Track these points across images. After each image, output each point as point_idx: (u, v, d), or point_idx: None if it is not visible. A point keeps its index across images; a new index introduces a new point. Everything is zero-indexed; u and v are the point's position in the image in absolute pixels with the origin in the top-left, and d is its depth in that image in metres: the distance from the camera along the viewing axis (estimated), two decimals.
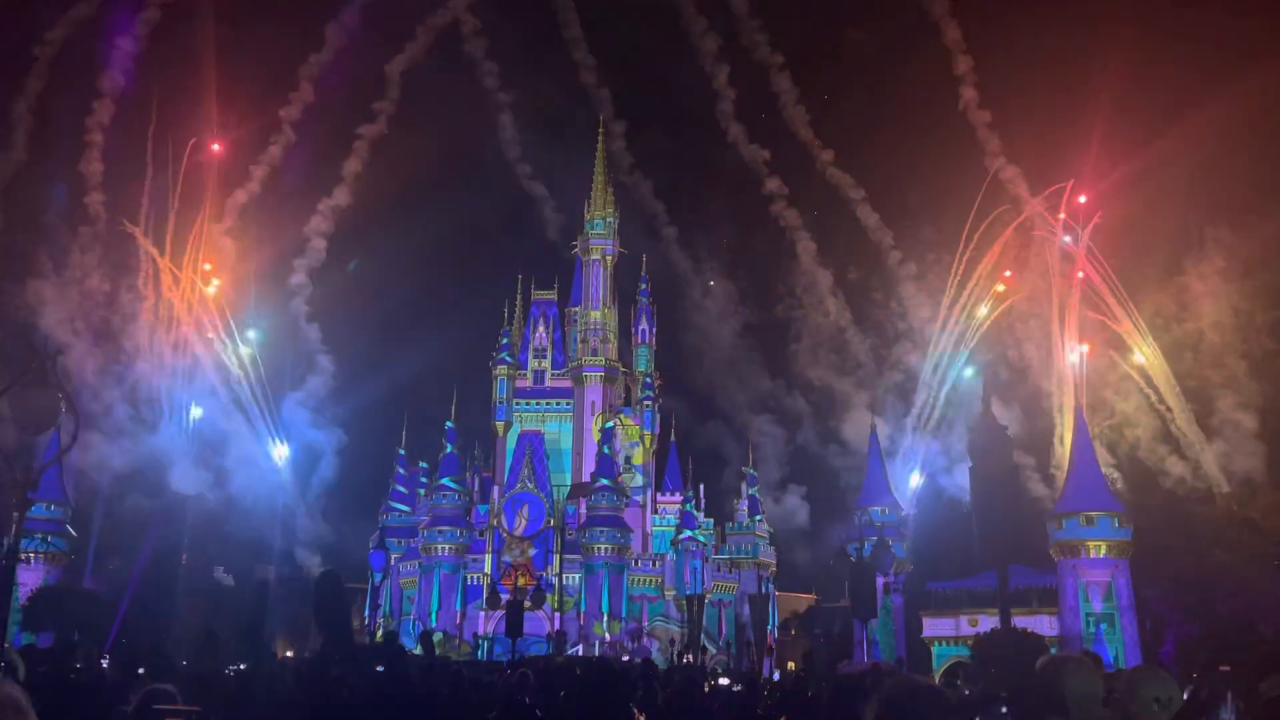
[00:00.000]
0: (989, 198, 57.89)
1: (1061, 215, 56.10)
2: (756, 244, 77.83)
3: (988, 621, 41.07)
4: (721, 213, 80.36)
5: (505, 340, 65.38)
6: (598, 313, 66.41)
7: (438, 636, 45.00)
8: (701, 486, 62.20)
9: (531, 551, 56.77)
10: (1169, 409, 52.74)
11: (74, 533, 48.18)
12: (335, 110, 63.47)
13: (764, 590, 56.29)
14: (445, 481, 57.66)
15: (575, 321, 67.36)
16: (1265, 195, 49.70)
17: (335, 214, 62.01)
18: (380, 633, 50.59)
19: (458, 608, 55.92)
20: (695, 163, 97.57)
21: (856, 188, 63.71)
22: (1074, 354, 53.90)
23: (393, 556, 60.20)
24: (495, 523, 58.02)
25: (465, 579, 56.72)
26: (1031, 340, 56.63)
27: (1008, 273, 57.65)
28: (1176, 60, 53.61)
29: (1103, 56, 55.32)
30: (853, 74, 74.77)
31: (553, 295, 67.77)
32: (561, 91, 75.64)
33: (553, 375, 65.62)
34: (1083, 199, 55.15)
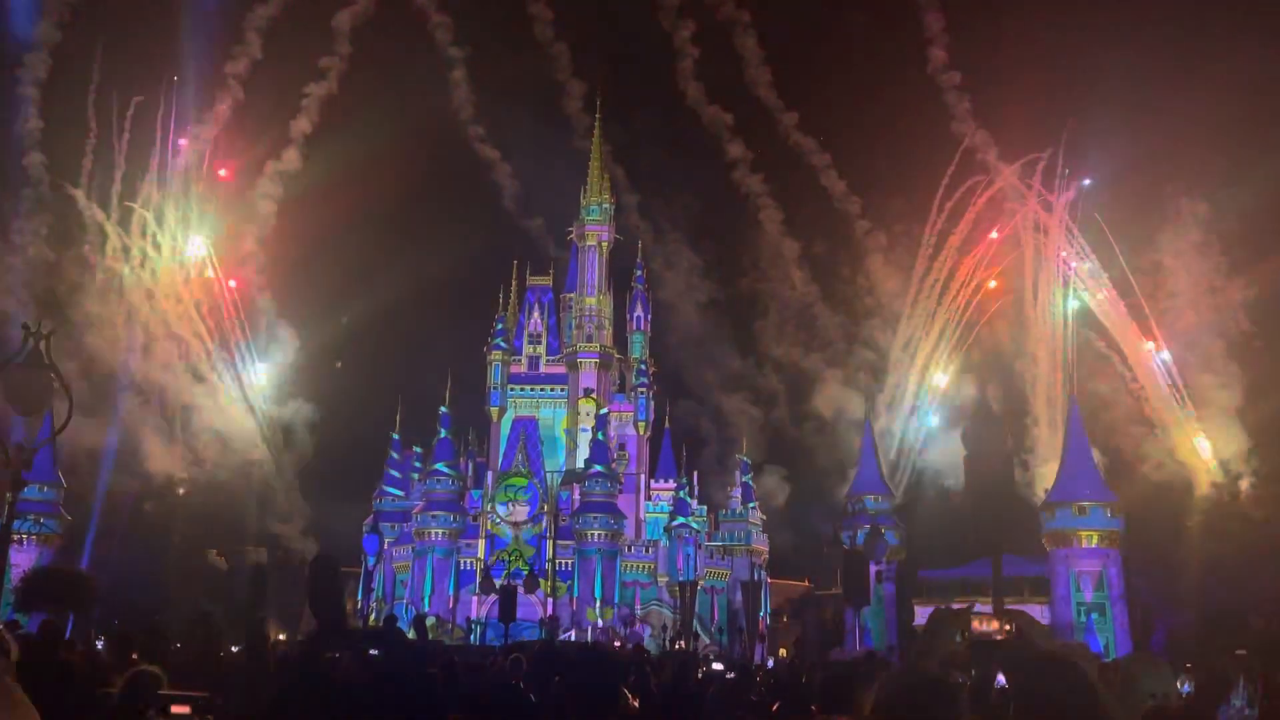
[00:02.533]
0: (961, 166, 56.38)
1: (1035, 184, 54.50)
2: (721, 214, 76.25)
3: (980, 610, 41.21)
4: (685, 180, 78.14)
5: (500, 326, 65.29)
6: (593, 299, 66.30)
7: (431, 621, 45.09)
8: (695, 473, 62.36)
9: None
10: (1145, 389, 51.74)
11: (68, 515, 48.02)
12: (285, 67, 60.74)
13: (756, 577, 56.45)
14: (439, 466, 57.64)
15: (570, 307, 67.26)
16: (1242, 168, 48.81)
17: (284, 178, 59.66)
18: (373, 616, 50.66)
19: (451, 592, 56.01)
20: (658, 126, 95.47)
21: (822, 153, 62.23)
22: (1054, 336, 52.77)
23: (386, 541, 60.30)
24: (489, 508, 58.06)
25: (459, 563, 56.78)
26: (1003, 317, 55.52)
27: (992, 283, 56.26)
28: (1154, 30, 52.89)
29: (1081, 25, 54.21)
30: (819, 34, 72.10)
31: (548, 281, 67.64)
32: (517, 48, 73.69)
33: (547, 361, 65.56)
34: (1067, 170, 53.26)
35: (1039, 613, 44.36)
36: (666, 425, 66.08)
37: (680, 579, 53.53)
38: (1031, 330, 53.62)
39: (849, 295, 61.39)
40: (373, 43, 62.90)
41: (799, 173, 63.45)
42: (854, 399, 56.55)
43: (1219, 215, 49.57)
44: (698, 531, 57.42)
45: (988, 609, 37.33)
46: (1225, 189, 49.11)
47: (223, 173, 58.84)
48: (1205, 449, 49.47)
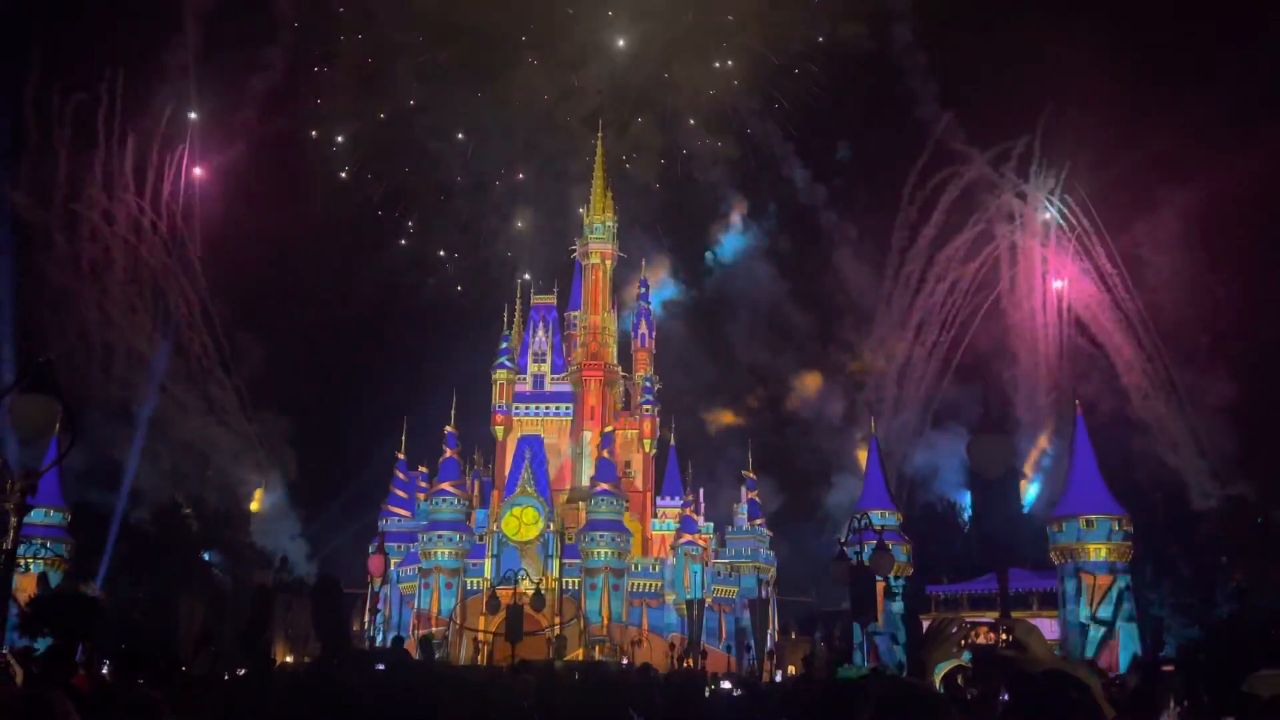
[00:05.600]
0: (932, 153, 54.54)
1: (1010, 173, 52.80)
2: (687, 208, 74.63)
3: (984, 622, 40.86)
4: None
5: (505, 344, 65.32)
6: (597, 316, 66.35)
7: (437, 641, 44.90)
8: (701, 490, 62.23)
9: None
10: (1130, 387, 50.41)
11: (72, 538, 47.92)
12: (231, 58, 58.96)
13: (764, 594, 56.23)
14: (445, 486, 57.57)
15: (575, 325, 67.30)
16: (1218, 150, 47.71)
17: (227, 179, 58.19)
18: (379, 637, 50.50)
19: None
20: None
21: (784, 140, 60.82)
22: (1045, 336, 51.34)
23: (392, 561, 60.18)
24: (495, 527, 57.93)
25: (465, 584, 56.60)
26: (980, 312, 54.21)
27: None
28: (1131, 15, 51.88)
29: (1054, 9, 52.89)
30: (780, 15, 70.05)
31: (552, 299, 67.72)
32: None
33: (552, 379, 65.54)
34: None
35: (1048, 627, 44.06)
36: (672, 442, 66.08)
37: (687, 597, 53.37)
38: (1012, 327, 52.38)
39: (819, 292, 60.25)
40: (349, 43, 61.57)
41: (762, 163, 62.14)
42: (832, 401, 55.76)
43: (1200, 204, 48.39)
44: (704, 549, 57.27)
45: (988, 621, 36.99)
46: (1207, 176, 47.90)
47: (198, 170, 56.74)
48: (1195, 446, 48.33)
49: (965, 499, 58.03)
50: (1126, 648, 42.78)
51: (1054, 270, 52.49)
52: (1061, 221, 52.47)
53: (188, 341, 56.61)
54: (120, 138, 54.81)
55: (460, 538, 56.94)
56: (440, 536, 56.62)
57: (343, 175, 69.29)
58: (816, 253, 60.31)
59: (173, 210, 56.93)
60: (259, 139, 59.54)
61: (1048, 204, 52.51)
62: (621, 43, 70.42)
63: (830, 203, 59.93)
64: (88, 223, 53.57)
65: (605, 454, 58.22)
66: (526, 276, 69.69)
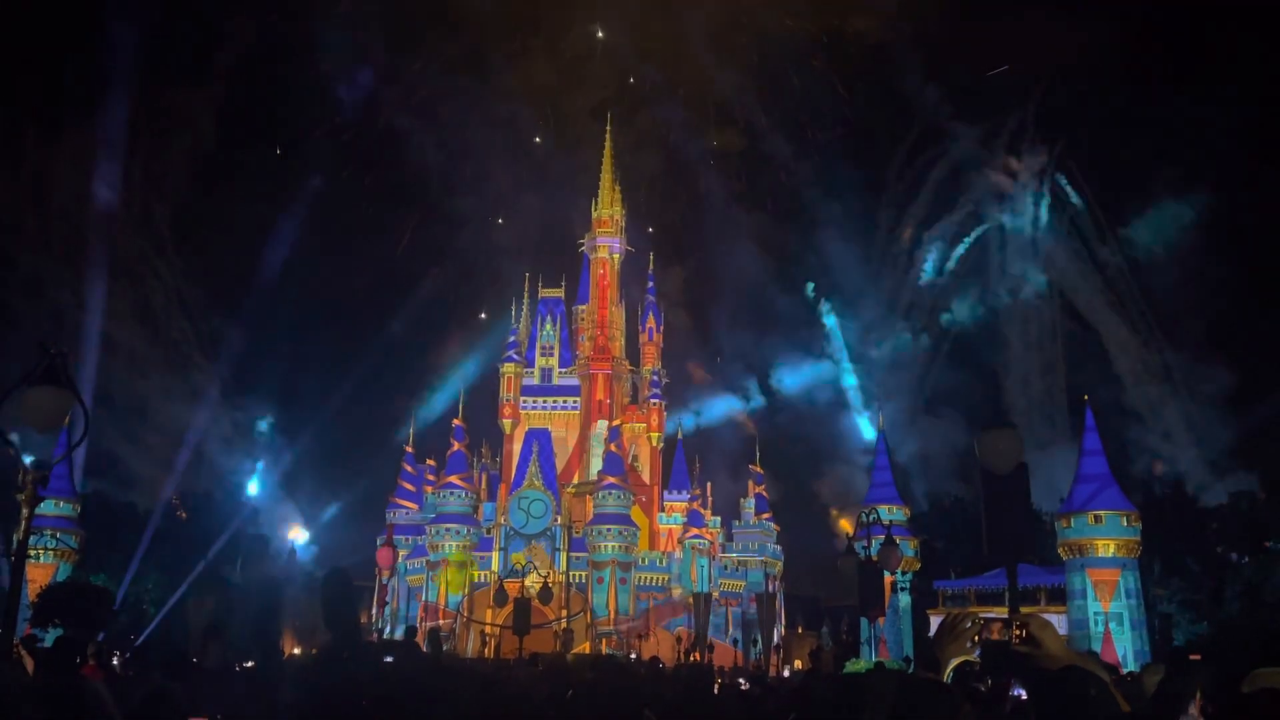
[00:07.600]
0: (918, 127, 53.57)
1: (1001, 151, 51.81)
2: (670, 192, 73.79)
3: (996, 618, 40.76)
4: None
5: (513, 338, 65.38)
6: (604, 310, 66.37)
7: (445, 634, 45.03)
8: (709, 484, 62.21)
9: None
10: (1126, 376, 49.88)
11: (82, 529, 48.16)
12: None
13: (771, 588, 56.26)
14: (452, 479, 57.70)
15: (582, 319, 67.30)
16: (1218, 133, 47.11)
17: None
18: (387, 629, 50.62)
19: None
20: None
21: (779, 124, 59.89)
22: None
23: (400, 554, 60.34)
24: (503, 520, 58.05)
25: (472, 577, 56.76)
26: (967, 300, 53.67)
27: None
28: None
29: None
30: None
31: (560, 293, 67.76)
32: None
33: (560, 373, 65.59)
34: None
35: (1056, 622, 43.97)
36: (679, 435, 66.09)
37: (695, 591, 53.41)
38: (1003, 311, 51.97)
39: (804, 273, 59.65)
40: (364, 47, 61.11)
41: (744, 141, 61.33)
42: (821, 387, 55.55)
43: (1192, 185, 47.65)
44: (712, 543, 57.31)
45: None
46: (1193, 156, 47.24)
47: None
48: (1188, 435, 47.83)
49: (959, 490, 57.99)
50: (1134, 644, 42.73)
51: (1045, 252, 52.05)
52: (1049, 208, 52.04)
53: (166, 327, 56.60)
54: (92, 119, 54.83)
55: (467, 530, 57.07)
56: (448, 529, 56.76)
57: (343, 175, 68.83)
58: (803, 234, 59.83)
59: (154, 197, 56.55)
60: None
61: (1039, 182, 51.96)
62: (623, 36, 70.37)
63: (820, 184, 59.55)
64: (61, 206, 53.88)
65: (613, 447, 58.25)
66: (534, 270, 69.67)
